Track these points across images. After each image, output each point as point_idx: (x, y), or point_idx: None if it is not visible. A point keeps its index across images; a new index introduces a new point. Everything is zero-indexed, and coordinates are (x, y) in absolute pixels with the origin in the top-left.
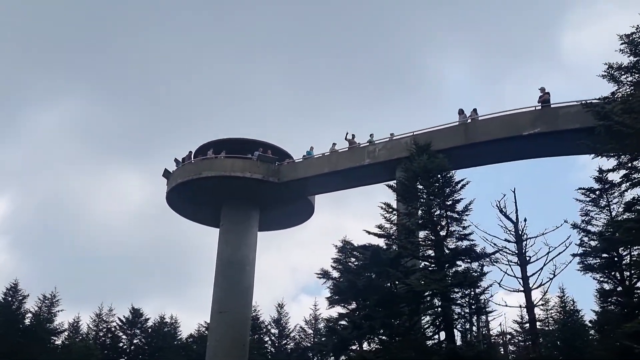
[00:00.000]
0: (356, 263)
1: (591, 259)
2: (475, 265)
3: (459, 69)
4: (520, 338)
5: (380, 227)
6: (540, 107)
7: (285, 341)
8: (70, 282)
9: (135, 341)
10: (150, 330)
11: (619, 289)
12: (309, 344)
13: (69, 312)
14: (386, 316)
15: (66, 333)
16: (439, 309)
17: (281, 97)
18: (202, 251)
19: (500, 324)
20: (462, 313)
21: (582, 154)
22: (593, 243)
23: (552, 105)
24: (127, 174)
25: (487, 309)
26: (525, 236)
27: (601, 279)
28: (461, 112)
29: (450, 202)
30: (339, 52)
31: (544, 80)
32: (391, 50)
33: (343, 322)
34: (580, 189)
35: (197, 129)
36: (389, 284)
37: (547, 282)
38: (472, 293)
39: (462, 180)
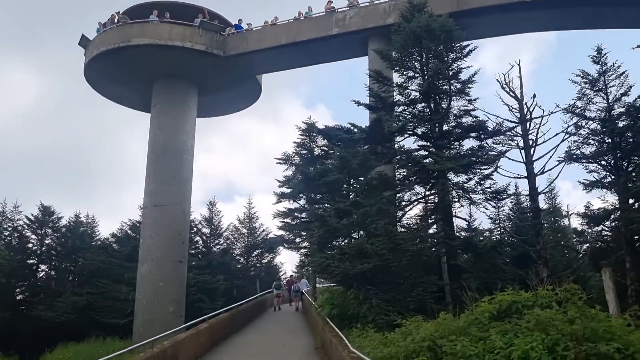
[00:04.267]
0: (325, 148)
1: (585, 146)
2: (488, 143)
3: None
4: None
5: (375, 95)
6: None
7: (218, 241)
8: None
9: (47, 242)
10: (64, 229)
11: (609, 179)
12: (243, 245)
13: None
14: (377, 203)
15: None
16: (436, 196)
17: None
18: (118, 144)
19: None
20: (468, 198)
21: (594, 27)
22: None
23: None
24: (13, 66)
25: (501, 194)
26: (531, 116)
27: (594, 168)
28: None
29: (453, 70)
30: None
31: None
32: None
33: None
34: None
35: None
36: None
37: (554, 167)
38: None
39: (468, 44)
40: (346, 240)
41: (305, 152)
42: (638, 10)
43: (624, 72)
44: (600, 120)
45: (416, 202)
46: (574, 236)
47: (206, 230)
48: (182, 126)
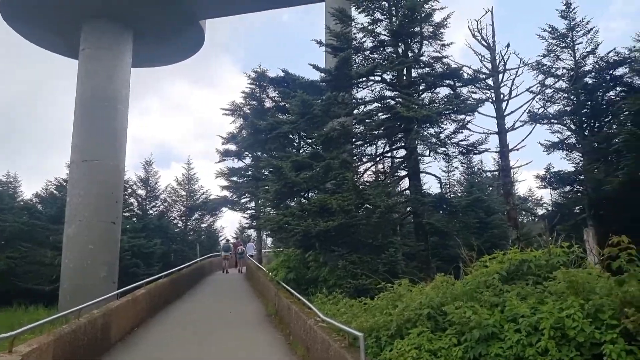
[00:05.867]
0: (277, 99)
1: (550, 104)
2: (464, 91)
3: None
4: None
5: (338, 35)
6: None
7: (154, 203)
8: None
9: None
10: None
11: (571, 140)
12: (182, 207)
13: None
14: (339, 156)
15: None
16: (405, 149)
17: None
18: (46, 100)
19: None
20: (442, 152)
21: None
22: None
23: None
24: None
25: (477, 146)
26: (504, 67)
27: (558, 129)
28: None
29: (425, 12)
30: None
31: None
32: None
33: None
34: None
35: None
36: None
37: (522, 125)
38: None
39: None
40: (301, 200)
41: (255, 102)
42: None
43: (592, 28)
44: (568, 77)
45: (381, 157)
46: (518, 202)
47: (142, 192)
48: (115, 73)
